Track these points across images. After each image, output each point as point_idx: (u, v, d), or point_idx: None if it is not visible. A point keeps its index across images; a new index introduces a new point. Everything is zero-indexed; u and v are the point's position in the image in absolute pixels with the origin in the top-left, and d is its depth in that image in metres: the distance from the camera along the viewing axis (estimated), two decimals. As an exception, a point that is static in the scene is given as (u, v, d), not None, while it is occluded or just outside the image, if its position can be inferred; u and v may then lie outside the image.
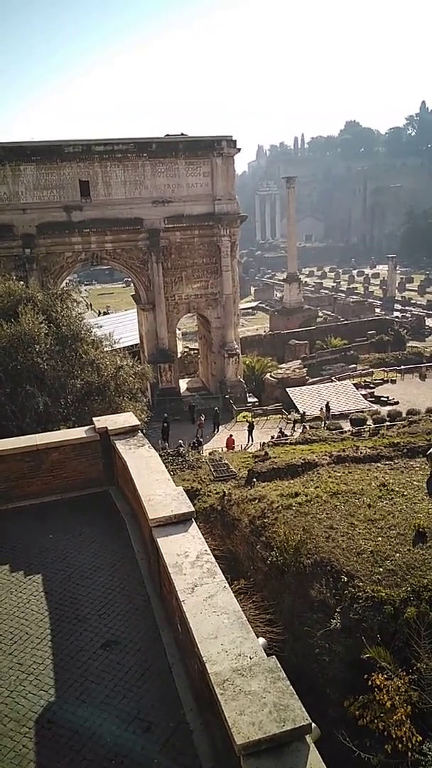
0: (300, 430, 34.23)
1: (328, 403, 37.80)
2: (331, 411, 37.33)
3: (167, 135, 42.54)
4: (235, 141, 41.67)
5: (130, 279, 51.96)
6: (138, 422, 11.47)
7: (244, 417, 39.14)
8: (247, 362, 48.79)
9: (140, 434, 11.11)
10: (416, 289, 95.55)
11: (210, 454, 29.98)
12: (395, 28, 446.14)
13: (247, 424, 35.34)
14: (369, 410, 37.93)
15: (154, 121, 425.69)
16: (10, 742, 5.76)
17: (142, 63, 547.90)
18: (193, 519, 7.79)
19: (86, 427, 11.63)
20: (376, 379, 46.13)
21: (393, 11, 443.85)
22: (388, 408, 38.05)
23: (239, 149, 42.26)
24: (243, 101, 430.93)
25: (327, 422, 35.53)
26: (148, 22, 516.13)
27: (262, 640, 6.63)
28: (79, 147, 38.49)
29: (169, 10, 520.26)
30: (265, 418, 39.23)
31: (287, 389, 42.18)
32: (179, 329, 53.41)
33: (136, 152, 39.59)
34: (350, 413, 37.02)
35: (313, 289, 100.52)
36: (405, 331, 59.05)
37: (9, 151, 37.16)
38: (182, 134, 42.81)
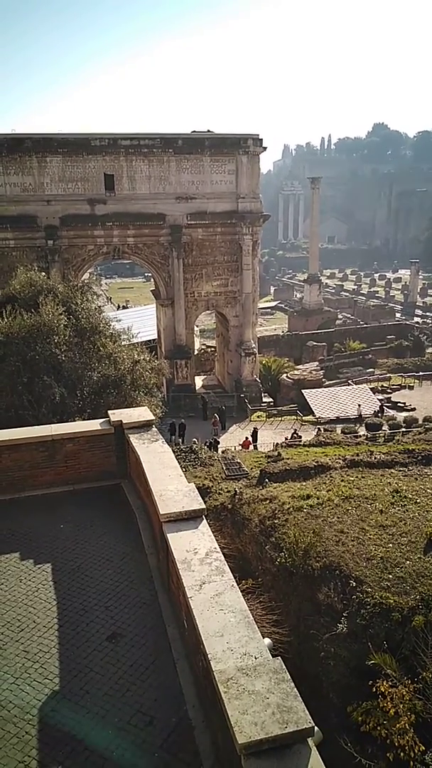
0: (315, 432, 34.03)
1: (359, 405, 38.29)
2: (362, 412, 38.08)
3: (193, 131, 42.52)
4: (261, 140, 41.46)
5: (150, 274, 52.05)
6: (153, 417, 11.49)
7: (258, 417, 38.96)
8: (264, 362, 48.63)
9: (154, 429, 11.13)
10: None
11: (223, 452, 29.94)
12: (428, 31, 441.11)
13: (252, 429, 35.11)
14: (385, 415, 37.65)
15: (180, 119, 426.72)
16: (13, 728, 5.82)
17: (170, 60, 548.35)
18: (203, 516, 7.78)
19: (101, 420, 11.67)
20: (393, 385, 45.73)
21: (425, 15, 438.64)
22: (405, 414, 37.67)
23: (265, 148, 42.04)
24: (271, 100, 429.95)
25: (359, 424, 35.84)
26: (178, 22, 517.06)
27: (267, 641, 6.60)
28: (106, 141, 38.64)
29: (199, 11, 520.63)
30: (280, 418, 39.08)
31: (303, 391, 41.91)
32: (197, 326, 53.45)
33: (162, 148, 39.62)
34: (366, 417, 36.82)
35: (333, 291, 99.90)
36: (425, 337, 58.52)
37: (36, 142, 37.44)
38: (208, 131, 42.74)
